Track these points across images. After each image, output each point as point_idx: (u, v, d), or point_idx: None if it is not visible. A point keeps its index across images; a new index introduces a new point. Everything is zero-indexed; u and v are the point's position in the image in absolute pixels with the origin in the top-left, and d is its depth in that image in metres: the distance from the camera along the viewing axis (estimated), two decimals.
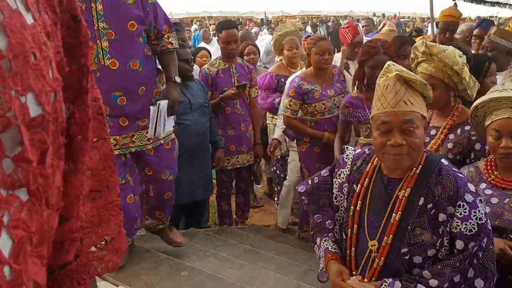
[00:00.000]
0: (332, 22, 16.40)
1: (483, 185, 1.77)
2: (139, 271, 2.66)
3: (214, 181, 3.93)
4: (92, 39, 2.29)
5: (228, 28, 3.64)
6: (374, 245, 1.46)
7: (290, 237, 3.73)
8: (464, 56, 2.02)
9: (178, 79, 2.61)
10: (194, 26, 13.65)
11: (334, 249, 1.59)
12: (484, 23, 3.97)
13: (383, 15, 17.93)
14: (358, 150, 1.64)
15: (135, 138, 2.51)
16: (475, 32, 3.91)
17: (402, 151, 1.37)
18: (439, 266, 1.36)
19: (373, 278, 1.45)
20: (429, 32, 6.25)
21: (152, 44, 2.50)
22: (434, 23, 4.17)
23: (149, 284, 2.57)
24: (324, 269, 1.59)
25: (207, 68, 3.68)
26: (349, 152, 1.64)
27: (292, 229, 3.93)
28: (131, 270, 2.67)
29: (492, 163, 1.78)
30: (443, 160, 1.46)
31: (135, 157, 2.63)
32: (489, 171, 1.78)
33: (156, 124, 2.47)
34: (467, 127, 1.98)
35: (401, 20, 17.83)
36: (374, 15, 17.49)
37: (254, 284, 2.62)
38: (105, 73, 2.33)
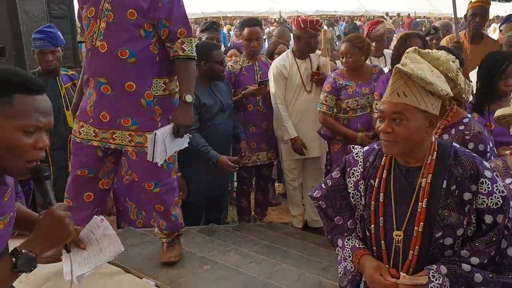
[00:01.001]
0: (346, 22, 16.34)
1: (509, 180, 1.76)
2: (163, 264, 2.71)
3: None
4: (94, 17, 2.26)
5: (251, 25, 3.69)
6: (399, 236, 1.48)
7: (309, 234, 3.75)
8: (458, 61, 2.02)
9: (189, 99, 2.34)
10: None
11: (362, 245, 1.61)
12: None
13: (398, 14, 17.82)
14: (366, 147, 1.67)
15: (116, 136, 2.38)
16: (501, 28, 3.90)
17: (389, 138, 1.45)
18: (476, 244, 1.41)
19: (410, 269, 1.48)
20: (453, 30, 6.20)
21: (167, 47, 2.35)
22: (462, 15, 4.12)
23: (173, 277, 2.62)
24: (358, 268, 1.58)
25: (231, 66, 3.74)
26: (358, 151, 1.66)
27: (310, 226, 3.96)
28: (154, 263, 2.72)
29: None
30: (455, 144, 1.51)
31: (123, 155, 2.53)
32: None
33: (154, 150, 2.32)
34: (461, 127, 1.99)
35: (417, 19, 17.68)
36: (387, 14, 17.36)
37: (276, 278, 2.65)
38: (94, 54, 2.30)
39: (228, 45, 7.59)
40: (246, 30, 3.68)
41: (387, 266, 1.53)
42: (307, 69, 3.64)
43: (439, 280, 1.39)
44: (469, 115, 2.10)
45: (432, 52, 1.97)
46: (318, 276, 2.72)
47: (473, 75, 3.08)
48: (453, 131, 2.01)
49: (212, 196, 3.53)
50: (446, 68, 1.91)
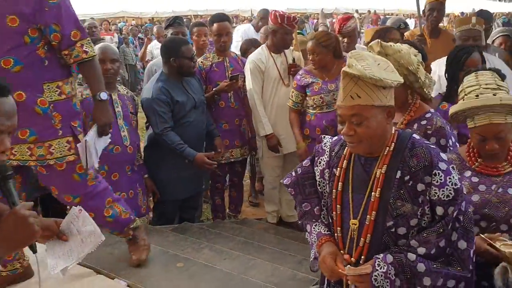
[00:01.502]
0: (317, 19, 16.46)
1: (468, 173, 1.81)
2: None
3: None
4: None
5: (220, 21, 3.67)
6: (355, 224, 1.52)
7: (283, 229, 3.76)
8: (420, 55, 2.05)
9: (103, 96, 2.32)
10: None
11: (327, 231, 1.64)
12: None
13: (369, 11, 18.08)
14: (335, 138, 1.69)
15: (15, 151, 2.22)
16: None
17: (353, 140, 1.47)
18: (424, 234, 1.43)
19: (362, 256, 1.50)
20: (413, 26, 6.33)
21: (65, 56, 2.24)
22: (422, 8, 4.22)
23: (145, 276, 2.59)
24: (318, 252, 1.61)
25: (201, 62, 3.69)
26: (327, 140, 1.69)
27: (284, 222, 3.97)
28: (126, 263, 2.67)
29: (475, 150, 1.81)
30: (414, 135, 1.53)
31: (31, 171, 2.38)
32: (472, 158, 1.81)
33: (86, 157, 2.30)
34: (424, 122, 2.04)
35: (386, 16, 17.99)
36: (357, 11, 17.59)
37: (250, 273, 2.65)
38: None
39: None
40: (215, 25, 3.65)
41: (342, 251, 1.56)
42: (283, 63, 3.63)
43: (383, 269, 1.41)
44: (432, 110, 2.14)
45: (394, 45, 1.99)
46: (293, 270, 2.73)
47: (434, 68, 3.17)
48: (415, 126, 2.05)
49: (187, 195, 3.49)
50: (407, 61, 1.94)
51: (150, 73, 3.95)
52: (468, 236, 1.45)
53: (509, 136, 1.71)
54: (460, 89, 1.84)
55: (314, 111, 3.39)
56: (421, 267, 1.41)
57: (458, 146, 2.08)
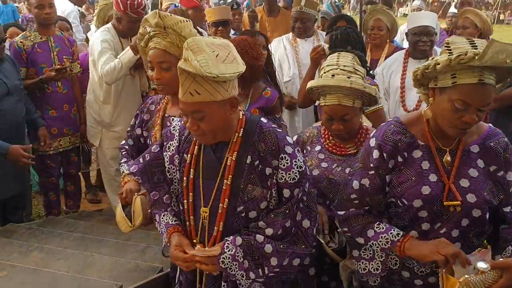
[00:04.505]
0: None
1: (318, 148, 1.93)
2: None
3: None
4: None
5: None
6: (205, 212, 1.52)
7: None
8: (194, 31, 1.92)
9: None
10: None
11: (175, 221, 1.61)
12: None
13: None
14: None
15: None
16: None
17: (197, 133, 1.46)
18: (272, 216, 1.49)
19: (216, 245, 1.51)
20: None
21: None
22: None
23: None
24: (168, 243, 1.58)
25: (20, 42, 3.25)
26: (176, 124, 1.63)
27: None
28: None
29: None
30: (262, 119, 1.57)
31: None
32: (325, 136, 1.93)
33: None
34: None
35: None
36: None
37: (88, 271, 2.47)
38: None
39: (20, 20, 6.55)
40: None
41: (194, 240, 1.55)
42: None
43: (231, 251, 1.45)
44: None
45: (173, 16, 1.88)
46: (135, 260, 2.64)
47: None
48: None
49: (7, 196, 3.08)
50: (189, 33, 1.85)
51: None
52: (311, 215, 1.54)
53: (355, 119, 1.83)
54: (321, 66, 1.92)
55: None
56: (268, 248, 1.46)
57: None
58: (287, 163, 1.47)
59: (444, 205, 1.46)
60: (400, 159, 1.50)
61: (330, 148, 1.90)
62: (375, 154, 1.51)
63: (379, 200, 1.56)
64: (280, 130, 1.57)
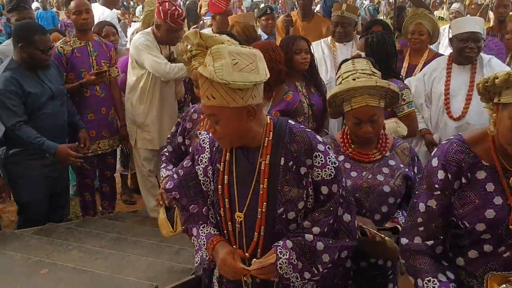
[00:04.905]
0: None
1: (341, 158, 1.90)
2: None
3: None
4: None
5: None
6: (240, 217, 1.52)
7: None
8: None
9: None
10: (35, 4, 11.95)
11: (216, 231, 1.61)
12: None
13: None
14: None
15: None
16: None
17: (215, 136, 1.51)
18: (316, 214, 1.50)
19: (258, 250, 1.52)
20: None
21: None
22: None
23: None
24: (212, 255, 1.57)
25: (60, 47, 3.36)
26: (204, 137, 1.65)
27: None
28: None
29: (348, 136, 1.92)
30: (290, 121, 1.58)
31: None
32: (346, 144, 1.91)
33: None
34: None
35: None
36: None
37: (124, 271, 2.52)
38: None
39: (59, 25, 6.79)
40: (72, 3, 3.33)
41: (234, 246, 1.55)
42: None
43: (286, 255, 1.45)
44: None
45: (216, 36, 1.94)
46: (169, 261, 2.68)
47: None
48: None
49: (52, 193, 3.19)
50: None
51: None
52: (350, 208, 1.56)
53: (381, 120, 1.83)
54: (337, 75, 1.93)
55: None
56: (320, 245, 1.47)
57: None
58: (322, 160, 1.48)
59: (510, 229, 1.36)
60: (464, 180, 1.41)
61: (355, 156, 1.88)
62: (440, 175, 1.42)
63: (444, 223, 1.46)
64: (309, 130, 1.57)
